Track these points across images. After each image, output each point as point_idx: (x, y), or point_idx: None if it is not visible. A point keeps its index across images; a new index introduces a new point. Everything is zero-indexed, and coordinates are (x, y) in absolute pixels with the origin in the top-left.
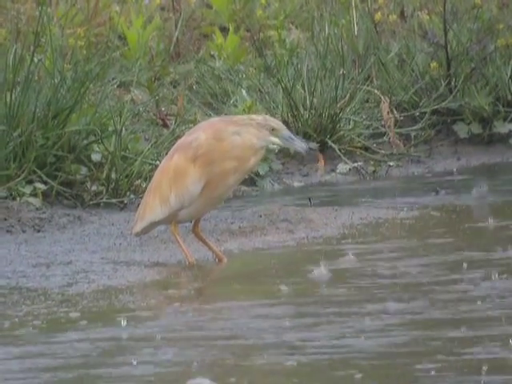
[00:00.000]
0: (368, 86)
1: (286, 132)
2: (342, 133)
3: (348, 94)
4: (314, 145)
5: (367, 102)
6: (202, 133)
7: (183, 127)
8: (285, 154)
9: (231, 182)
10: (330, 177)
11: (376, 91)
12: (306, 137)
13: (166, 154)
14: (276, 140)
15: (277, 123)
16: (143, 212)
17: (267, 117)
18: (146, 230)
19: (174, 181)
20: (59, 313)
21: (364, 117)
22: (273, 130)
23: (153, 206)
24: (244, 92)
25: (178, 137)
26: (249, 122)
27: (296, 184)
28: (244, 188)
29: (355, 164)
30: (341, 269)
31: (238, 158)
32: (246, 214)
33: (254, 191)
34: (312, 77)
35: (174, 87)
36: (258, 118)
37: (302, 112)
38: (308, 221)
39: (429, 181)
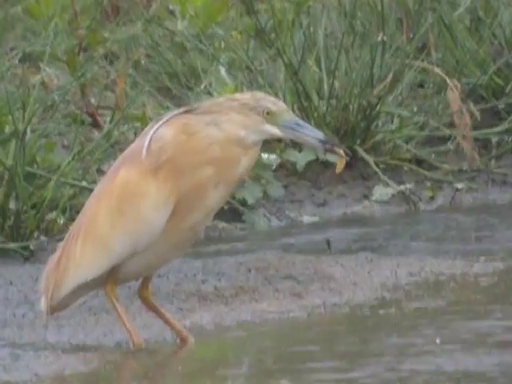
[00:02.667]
0: (423, 60)
1: (289, 116)
2: (380, 136)
3: (391, 75)
4: (329, 138)
5: (421, 86)
6: (165, 128)
7: (125, 127)
8: (288, 170)
9: (211, 203)
10: (362, 207)
11: (436, 69)
12: None
13: (101, 171)
14: (274, 130)
15: (274, 103)
16: (63, 270)
17: (258, 94)
18: (68, 302)
19: (120, 210)
20: None
21: (416, 110)
22: (268, 115)
23: (82, 257)
24: (223, 71)
25: (117, 143)
26: (230, 105)
27: (306, 219)
28: (223, 225)
29: (402, 187)
30: (376, 370)
31: (218, 160)
32: (227, 267)
33: (238, 229)
34: (332, 46)
35: (111, 63)
36: (244, 96)
37: (316, 103)
38: (326, 278)
39: None
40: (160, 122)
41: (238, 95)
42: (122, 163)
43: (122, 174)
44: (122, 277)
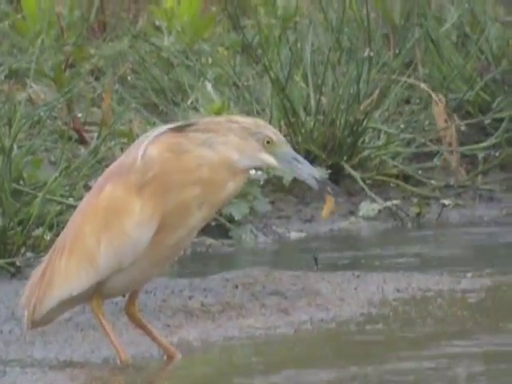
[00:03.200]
0: (410, 76)
1: (288, 149)
2: (367, 152)
3: (377, 90)
4: (324, 179)
5: (408, 102)
6: (151, 146)
7: (111, 143)
8: (275, 186)
9: (194, 222)
10: (349, 223)
11: (423, 85)
12: (310, 158)
13: (87, 187)
14: (271, 160)
15: (275, 133)
16: (47, 284)
17: (260, 121)
18: (51, 316)
19: (105, 225)
20: None
21: (403, 127)
22: (268, 144)
23: (67, 272)
24: (210, 86)
25: (104, 159)
26: (229, 127)
27: (293, 235)
28: (210, 241)
29: (388, 203)
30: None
31: (205, 182)
32: (213, 284)
33: (225, 246)
34: (319, 62)
35: (97, 79)
36: (245, 120)
37: (303, 118)
38: (313, 294)
39: (508, 229)
40: (151, 136)
41: (239, 118)
42: (108, 179)
43: (107, 190)
44: (108, 292)
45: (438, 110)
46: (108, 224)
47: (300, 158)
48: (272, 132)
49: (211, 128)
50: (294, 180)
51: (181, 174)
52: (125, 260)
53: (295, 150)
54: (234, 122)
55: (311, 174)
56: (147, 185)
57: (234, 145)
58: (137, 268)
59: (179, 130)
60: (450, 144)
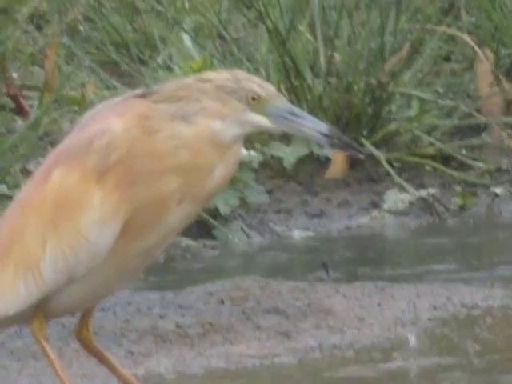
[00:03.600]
0: (450, 26)
1: (281, 103)
2: (394, 126)
3: (407, 45)
4: (335, 131)
5: (447, 59)
6: (114, 119)
7: (58, 113)
8: (273, 170)
9: (172, 222)
10: (370, 218)
11: (466, 37)
12: None
13: (26, 171)
14: (262, 120)
15: (261, 85)
16: None
17: (239, 73)
18: None
19: (53, 224)
20: None
21: (441, 91)
22: (253, 101)
23: (2, 284)
24: (187, 39)
25: (47, 134)
26: (201, 88)
27: (297, 234)
28: (187, 242)
29: (423, 192)
30: None
31: (185, 168)
32: (192, 299)
33: (208, 249)
34: (331, 7)
35: (39, 28)
36: (220, 76)
37: (309, 82)
38: (322, 312)
39: None
40: (113, 104)
41: (211, 74)
42: (56, 162)
43: (56, 177)
44: (54, 311)
45: (482, 69)
46: (57, 222)
47: (298, 111)
48: (256, 84)
49: (180, 94)
50: (298, 162)
51: (152, 161)
52: (78, 269)
53: None
54: (206, 80)
55: (316, 128)
56: (110, 171)
57: (211, 111)
58: (94, 280)
59: (147, 95)
60: (493, 111)
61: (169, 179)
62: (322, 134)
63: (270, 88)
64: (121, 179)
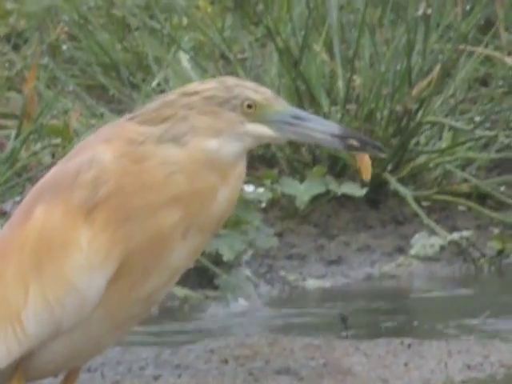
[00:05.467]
0: (487, 45)
1: (282, 107)
2: (422, 160)
3: (438, 67)
4: (349, 131)
5: (484, 84)
6: (101, 147)
7: (37, 145)
8: (284, 210)
9: (177, 260)
10: (395, 265)
11: (508, 58)
12: (337, 166)
13: (0, 211)
14: (263, 130)
15: (256, 89)
16: None
17: (228, 79)
18: None
19: (36, 268)
20: None
21: (477, 120)
22: (250, 108)
23: None
24: (185, 60)
25: (25, 170)
26: (187, 103)
27: (311, 283)
28: (186, 292)
29: (455, 235)
30: None
31: (185, 197)
32: (191, 357)
33: (209, 300)
34: (350, 23)
35: (16, 48)
36: (207, 86)
37: (325, 109)
38: (341, 372)
39: None
40: (101, 132)
41: (196, 85)
42: (39, 198)
43: (38, 215)
44: (37, 370)
45: None
46: (40, 266)
47: (303, 114)
48: (251, 90)
49: (164, 114)
50: (313, 200)
51: (146, 192)
52: (65, 321)
53: (314, 155)
54: (192, 93)
55: (327, 130)
56: (99, 208)
57: (203, 128)
58: (82, 333)
59: (132, 118)
60: None
61: (167, 212)
62: (334, 135)
63: (267, 91)
64: (112, 217)
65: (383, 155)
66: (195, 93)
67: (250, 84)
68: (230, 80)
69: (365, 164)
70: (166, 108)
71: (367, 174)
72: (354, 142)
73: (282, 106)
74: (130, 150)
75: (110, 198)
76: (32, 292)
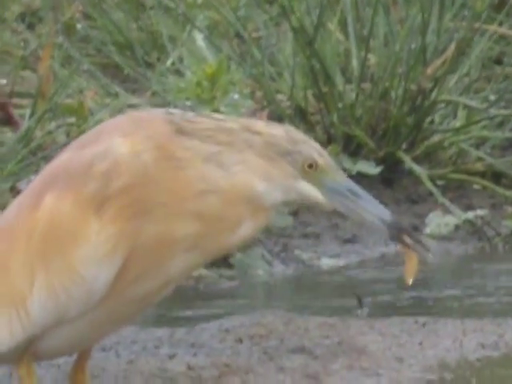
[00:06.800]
0: (502, 24)
1: (341, 177)
2: (437, 138)
3: (453, 45)
4: (399, 223)
5: (499, 62)
6: (118, 140)
7: (52, 124)
8: None
9: (175, 271)
10: None
11: None
12: (352, 144)
13: (16, 190)
14: (314, 193)
15: (320, 153)
16: None
17: (296, 134)
18: None
19: (43, 256)
20: None
21: (492, 99)
22: (310, 169)
23: None
24: (200, 39)
25: (41, 148)
26: (248, 140)
27: (326, 262)
28: (201, 272)
29: (470, 214)
30: None
31: (209, 217)
32: (206, 336)
33: (224, 279)
34: (365, 2)
35: (30, 28)
36: (273, 131)
37: (340, 88)
38: (355, 351)
39: None
40: (122, 121)
41: (261, 125)
42: (50, 184)
43: (48, 203)
44: (45, 352)
45: None
46: (48, 255)
47: (360, 191)
48: (316, 151)
49: (220, 138)
50: None
51: (172, 198)
52: (70, 310)
53: (328, 133)
54: (255, 132)
55: (378, 214)
56: (111, 200)
57: (256, 168)
58: (85, 323)
59: (172, 117)
60: None
61: (186, 223)
62: (384, 221)
63: (330, 158)
64: (123, 211)
65: (430, 258)
66: (259, 133)
67: (315, 145)
68: (297, 134)
69: (412, 265)
70: (223, 133)
71: (410, 276)
72: (407, 238)
73: (341, 177)
74: (160, 150)
75: (123, 193)
76: (38, 280)
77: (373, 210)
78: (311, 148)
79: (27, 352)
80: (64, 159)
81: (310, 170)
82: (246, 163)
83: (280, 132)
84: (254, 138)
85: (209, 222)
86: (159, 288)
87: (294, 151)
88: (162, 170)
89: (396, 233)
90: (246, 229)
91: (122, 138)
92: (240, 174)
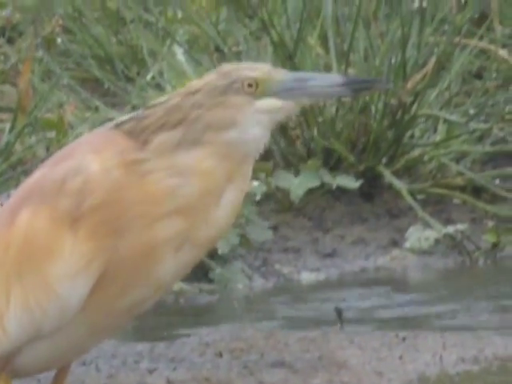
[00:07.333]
0: (482, 38)
1: (282, 75)
2: (417, 153)
3: (433, 60)
4: (355, 78)
5: (479, 77)
6: (90, 157)
7: (32, 139)
8: (279, 203)
9: (166, 274)
10: (390, 259)
11: (502, 51)
12: (332, 159)
13: None
14: (272, 103)
15: (252, 68)
16: None
17: (224, 67)
18: None
19: (18, 272)
20: None
21: (471, 113)
22: (250, 87)
23: None
24: (180, 53)
25: (20, 163)
26: (194, 103)
27: (306, 277)
28: (181, 286)
29: (450, 228)
30: None
31: (187, 207)
32: (186, 350)
33: (204, 293)
34: (345, 17)
35: (10, 42)
36: (205, 81)
37: (320, 102)
38: (335, 365)
39: None
40: (92, 137)
41: (196, 83)
42: (25, 200)
43: (23, 219)
44: (22, 369)
45: None
46: (22, 271)
47: (304, 75)
48: (247, 69)
49: (174, 119)
50: (308, 193)
51: (145, 206)
52: (45, 325)
53: (308, 148)
54: (195, 91)
55: (331, 83)
56: (85, 217)
57: (218, 122)
58: (63, 337)
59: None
60: None
61: (167, 224)
62: (340, 85)
63: (264, 66)
64: (97, 227)
65: (389, 86)
66: (197, 90)
67: (244, 65)
68: (226, 67)
69: None
70: (174, 113)
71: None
72: (363, 85)
73: (282, 75)
74: (127, 162)
75: (97, 210)
76: (13, 295)
77: (325, 82)
78: (242, 70)
79: (5, 368)
80: (38, 175)
81: (252, 88)
82: (208, 125)
83: (211, 76)
84: (197, 97)
85: (190, 211)
86: (148, 298)
87: (231, 82)
88: (130, 183)
89: (354, 87)
90: (229, 195)
91: (92, 155)
92: (211, 138)
